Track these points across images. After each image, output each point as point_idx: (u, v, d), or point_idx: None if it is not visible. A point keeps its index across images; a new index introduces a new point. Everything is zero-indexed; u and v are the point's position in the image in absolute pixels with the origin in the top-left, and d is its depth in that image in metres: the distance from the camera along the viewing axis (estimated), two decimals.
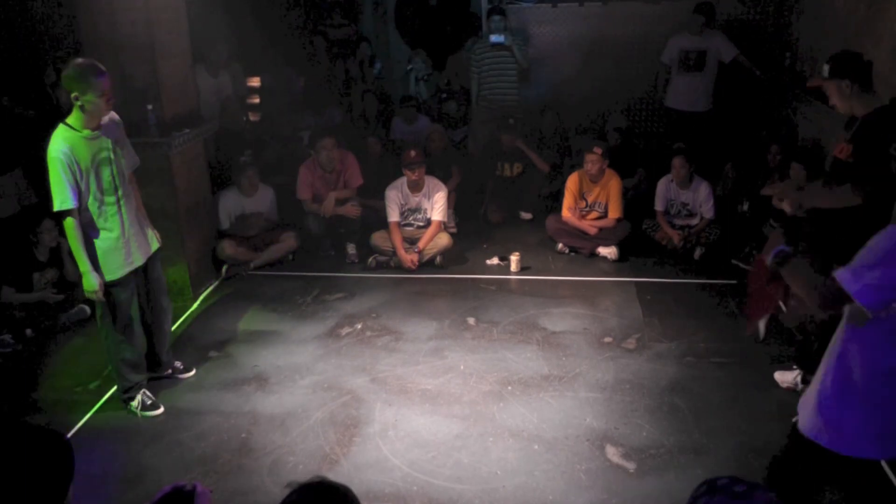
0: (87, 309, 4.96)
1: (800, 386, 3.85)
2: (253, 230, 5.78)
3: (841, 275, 2.08)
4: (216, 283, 5.54)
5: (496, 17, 6.91)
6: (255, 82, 8.12)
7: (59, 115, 5.33)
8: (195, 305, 5.17)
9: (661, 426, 3.67)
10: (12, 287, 4.81)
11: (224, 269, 5.60)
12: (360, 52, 8.26)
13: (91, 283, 3.55)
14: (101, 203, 3.57)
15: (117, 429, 3.81)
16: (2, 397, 4.15)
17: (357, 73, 8.11)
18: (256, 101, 8.03)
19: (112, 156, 3.59)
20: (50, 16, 6.63)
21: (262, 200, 5.90)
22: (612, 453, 3.48)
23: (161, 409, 3.93)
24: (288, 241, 5.87)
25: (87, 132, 3.47)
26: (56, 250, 5.00)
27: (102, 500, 3.22)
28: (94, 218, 3.56)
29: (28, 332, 4.71)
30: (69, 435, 3.73)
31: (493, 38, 6.83)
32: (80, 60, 3.42)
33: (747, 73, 6.62)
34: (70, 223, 3.46)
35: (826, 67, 3.36)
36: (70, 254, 4.95)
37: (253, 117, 7.93)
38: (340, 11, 9.02)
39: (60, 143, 3.39)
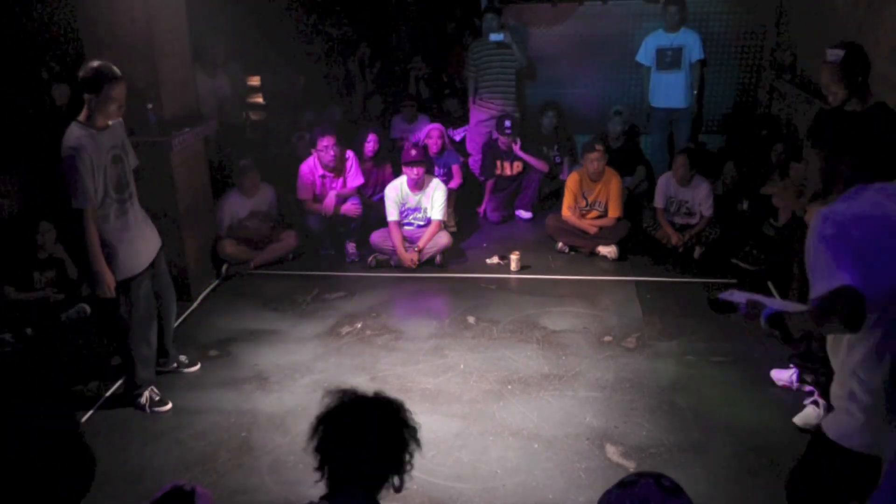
0: (88, 308, 4.96)
1: (795, 384, 3.87)
2: (253, 234, 5.78)
3: (813, 295, 1.98)
4: (216, 282, 5.53)
5: (489, 16, 6.88)
6: (255, 81, 8.14)
7: (56, 112, 5.35)
8: (195, 305, 5.17)
9: (660, 425, 3.67)
10: (13, 286, 4.81)
11: (224, 268, 5.59)
12: (360, 52, 8.26)
13: (103, 280, 3.60)
14: (114, 200, 3.65)
15: (117, 427, 3.81)
16: (1, 396, 4.14)
17: (357, 72, 8.11)
18: (259, 100, 8.04)
19: (122, 154, 3.70)
20: (50, 17, 6.63)
21: (263, 200, 5.90)
22: (612, 452, 3.48)
23: (169, 405, 3.95)
24: (288, 240, 5.87)
25: (96, 130, 3.55)
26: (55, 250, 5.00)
27: (102, 499, 3.22)
28: (109, 215, 3.64)
29: (28, 331, 4.71)
30: None
31: (493, 36, 6.76)
32: (96, 63, 3.48)
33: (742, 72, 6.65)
34: (85, 221, 3.52)
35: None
36: (69, 253, 5.00)
37: (255, 116, 7.93)
38: (340, 11, 9.02)
39: (73, 140, 3.47)
